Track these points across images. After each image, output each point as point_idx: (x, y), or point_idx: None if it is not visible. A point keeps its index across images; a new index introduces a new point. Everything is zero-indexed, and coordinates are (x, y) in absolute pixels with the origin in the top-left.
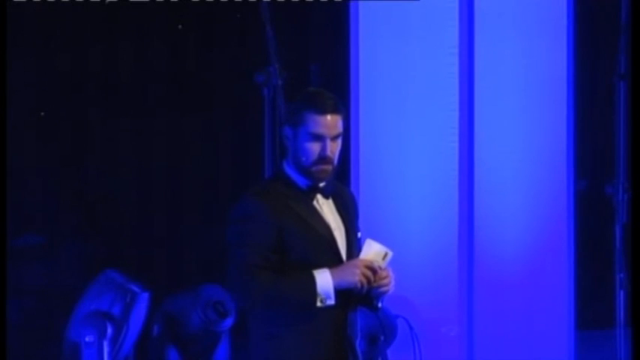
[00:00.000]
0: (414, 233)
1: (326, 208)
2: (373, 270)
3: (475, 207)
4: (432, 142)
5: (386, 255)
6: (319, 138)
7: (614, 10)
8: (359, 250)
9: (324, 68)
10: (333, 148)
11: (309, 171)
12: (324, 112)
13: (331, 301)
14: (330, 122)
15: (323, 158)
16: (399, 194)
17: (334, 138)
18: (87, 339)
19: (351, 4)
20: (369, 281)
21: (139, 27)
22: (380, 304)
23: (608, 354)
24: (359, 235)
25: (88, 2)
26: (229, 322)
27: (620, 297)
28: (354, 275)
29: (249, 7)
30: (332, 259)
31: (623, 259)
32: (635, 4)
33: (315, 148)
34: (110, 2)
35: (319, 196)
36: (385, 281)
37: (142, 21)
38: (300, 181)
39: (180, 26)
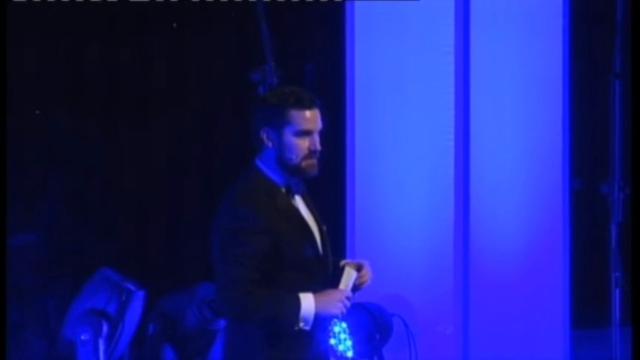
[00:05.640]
0: (409, 232)
1: (301, 206)
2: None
3: (471, 206)
4: (428, 140)
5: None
6: (307, 133)
7: (610, 9)
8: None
9: (319, 67)
10: (319, 142)
11: (299, 167)
12: (308, 107)
13: (307, 327)
14: (315, 117)
15: (313, 152)
16: (395, 193)
17: (319, 132)
18: (82, 337)
19: (347, 3)
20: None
21: (133, 26)
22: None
23: (603, 353)
24: (324, 228)
25: (86, 2)
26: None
27: (616, 296)
28: (336, 308)
29: (244, 6)
30: (314, 259)
31: (618, 258)
32: (631, 4)
33: (303, 144)
34: (106, 1)
35: (295, 195)
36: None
37: (137, 20)
38: (280, 179)
39: (175, 24)
